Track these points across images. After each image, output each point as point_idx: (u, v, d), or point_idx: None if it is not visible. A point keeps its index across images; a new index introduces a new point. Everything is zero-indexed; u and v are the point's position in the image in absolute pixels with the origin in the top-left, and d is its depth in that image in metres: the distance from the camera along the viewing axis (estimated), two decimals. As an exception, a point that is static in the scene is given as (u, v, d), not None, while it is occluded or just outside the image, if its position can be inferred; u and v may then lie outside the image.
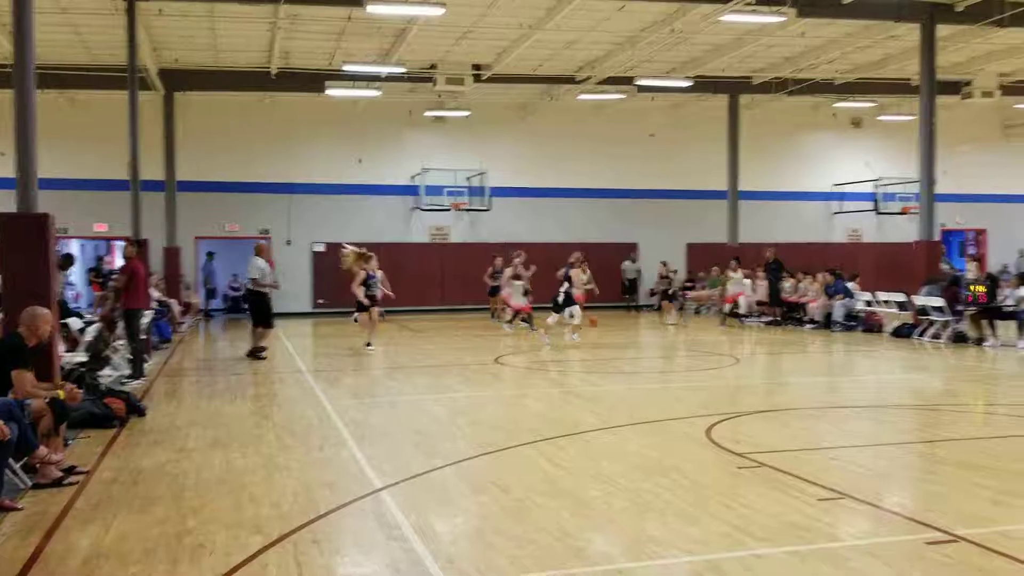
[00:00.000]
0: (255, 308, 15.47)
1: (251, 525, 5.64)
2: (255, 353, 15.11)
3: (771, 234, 28.15)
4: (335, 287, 22.74)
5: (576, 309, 17.25)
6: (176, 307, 21.04)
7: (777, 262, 21.91)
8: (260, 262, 15.31)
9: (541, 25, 19.14)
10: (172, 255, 24.01)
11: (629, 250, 28.60)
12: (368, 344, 16.39)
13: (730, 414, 9.55)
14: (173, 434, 8.73)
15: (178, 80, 23.49)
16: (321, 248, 26.41)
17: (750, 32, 20.22)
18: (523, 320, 19.27)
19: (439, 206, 26.53)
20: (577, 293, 17.75)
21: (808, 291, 21.10)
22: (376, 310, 16.77)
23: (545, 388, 11.83)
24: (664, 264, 26.89)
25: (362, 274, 16.18)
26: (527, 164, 28.17)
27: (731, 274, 21.41)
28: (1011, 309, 16.26)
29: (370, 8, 16.20)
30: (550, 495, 6.31)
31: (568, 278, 17.29)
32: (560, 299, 16.97)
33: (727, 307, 21.35)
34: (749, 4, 16.59)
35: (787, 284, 21.54)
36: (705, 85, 25.05)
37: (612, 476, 6.84)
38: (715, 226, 27.40)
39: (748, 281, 21.62)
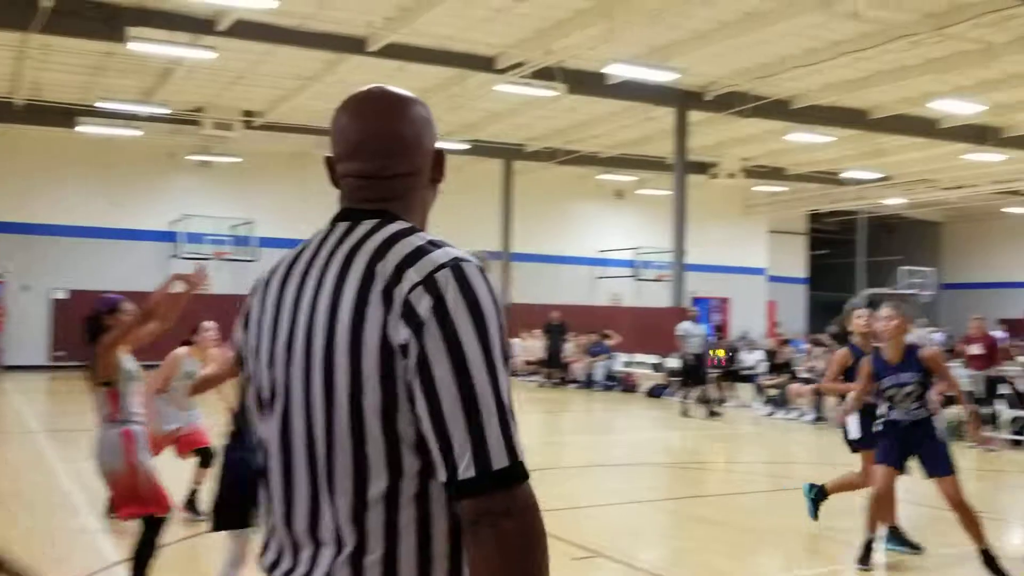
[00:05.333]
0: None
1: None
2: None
3: (541, 295, 29.16)
4: (77, 338, 19.90)
5: None
6: None
7: (561, 324, 22.09)
8: None
9: (320, 78, 18.90)
10: None
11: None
12: None
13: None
14: None
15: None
16: (62, 295, 24.04)
17: (524, 103, 21.09)
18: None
19: (199, 254, 25.04)
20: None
21: (571, 352, 21.88)
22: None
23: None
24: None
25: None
26: (301, 215, 27.44)
27: None
28: (747, 373, 17.83)
29: (132, 45, 15.25)
30: None
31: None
32: None
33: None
34: (524, 77, 17.29)
35: (569, 345, 21.88)
36: (481, 149, 25.76)
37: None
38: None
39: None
